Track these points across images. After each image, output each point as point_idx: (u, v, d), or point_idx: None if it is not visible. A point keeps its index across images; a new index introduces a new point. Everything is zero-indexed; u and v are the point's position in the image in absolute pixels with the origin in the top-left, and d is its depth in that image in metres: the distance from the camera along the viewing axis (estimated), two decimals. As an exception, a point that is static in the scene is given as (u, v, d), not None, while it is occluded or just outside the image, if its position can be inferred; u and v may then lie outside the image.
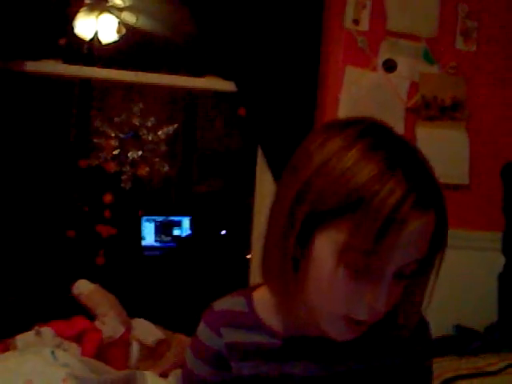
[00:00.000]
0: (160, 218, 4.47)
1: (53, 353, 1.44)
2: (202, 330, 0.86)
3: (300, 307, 0.78)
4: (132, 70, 2.34)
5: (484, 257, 2.25)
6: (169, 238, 4.48)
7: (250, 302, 0.86)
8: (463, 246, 2.09)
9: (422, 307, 0.78)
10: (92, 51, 3.64)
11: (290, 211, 0.72)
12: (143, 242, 4.38)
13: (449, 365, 1.78)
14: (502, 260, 2.20)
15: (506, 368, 1.71)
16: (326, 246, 0.70)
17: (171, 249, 4.32)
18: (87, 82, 3.61)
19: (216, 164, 4.71)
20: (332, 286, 0.70)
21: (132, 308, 2.17)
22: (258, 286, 0.88)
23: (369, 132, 0.72)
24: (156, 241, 4.48)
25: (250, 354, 0.83)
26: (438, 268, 0.75)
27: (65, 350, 1.61)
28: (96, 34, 3.39)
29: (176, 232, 4.50)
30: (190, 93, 4.14)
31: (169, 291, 3.17)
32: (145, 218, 4.36)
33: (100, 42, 3.48)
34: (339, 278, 0.69)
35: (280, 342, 0.83)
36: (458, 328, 2.17)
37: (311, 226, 0.70)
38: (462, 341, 2.07)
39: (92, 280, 2.14)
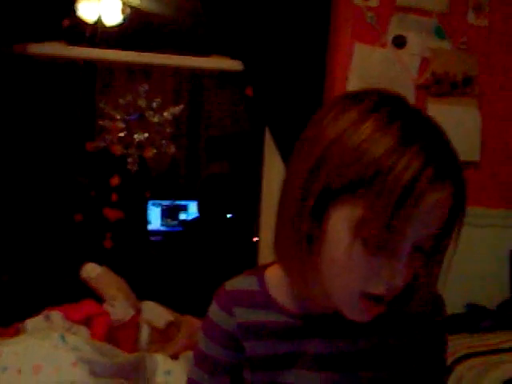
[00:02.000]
0: (166, 202, 4.47)
1: (62, 337, 1.44)
2: (214, 310, 0.85)
3: (314, 285, 0.77)
4: (136, 51, 2.31)
5: (496, 234, 2.25)
6: (175, 222, 4.48)
7: (262, 280, 0.84)
8: (475, 223, 2.08)
9: (437, 284, 0.77)
10: (96, 33, 3.61)
11: (304, 186, 0.70)
12: (149, 227, 4.38)
13: (461, 343, 1.78)
14: (514, 237, 2.20)
15: (518, 345, 1.70)
16: (341, 222, 0.68)
17: (178, 232, 4.32)
18: (91, 64, 3.58)
19: (223, 146, 4.69)
20: (348, 262, 0.68)
21: (141, 291, 2.17)
22: (270, 264, 0.86)
23: (383, 103, 0.70)
24: (162, 225, 4.47)
25: (263, 333, 0.82)
26: (456, 242, 0.73)
27: (74, 334, 1.61)
28: (100, 16, 3.36)
29: (182, 216, 4.49)
30: (196, 74, 4.10)
31: (177, 274, 3.17)
32: (151, 202, 4.35)
33: (104, 25, 3.45)
34: (355, 254, 0.68)
35: (293, 320, 0.81)
36: (470, 306, 2.16)
37: (326, 202, 0.69)
38: (474, 319, 2.06)
39: (100, 263, 2.14)
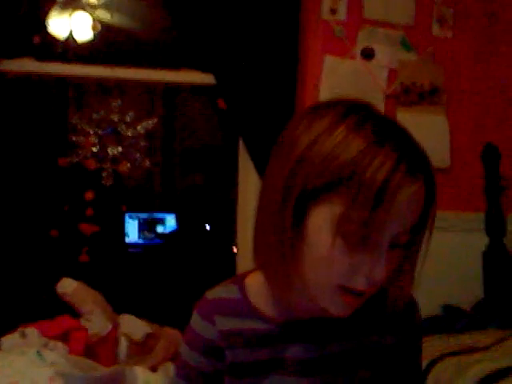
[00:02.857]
0: (144, 215, 4.45)
1: (38, 353, 1.42)
2: (196, 319, 0.86)
3: (293, 290, 0.78)
4: (108, 66, 2.31)
5: (468, 237, 2.30)
6: (152, 235, 4.46)
7: (242, 288, 0.86)
8: (447, 227, 2.14)
9: (413, 282, 0.79)
10: (67, 50, 3.59)
11: (283, 191, 0.72)
12: (127, 240, 4.34)
13: (438, 343, 1.81)
14: (485, 240, 2.24)
15: (493, 344, 1.74)
16: (321, 220, 0.71)
17: (156, 245, 4.30)
18: (63, 79, 3.56)
19: (197, 159, 4.69)
20: (330, 259, 0.71)
21: (119, 305, 2.15)
22: (250, 272, 0.88)
23: (354, 110, 0.73)
24: (140, 238, 4.45)
25: (244, 340, 0.83)
26: (430, 237, 0.76)
27: (51, 350, 1.59)
28: (71, 32, 3.34)
29: (160, 229, 4.48)
30: (169, 87, 4.11)
31: (155, 287, 3.16)
32: (128, 215, 4.33)
33: (75, 41, 3.43)
34: (337, 251, 0.70)
35: (274, 326, 0.83)
36: (446, 308, 2.20)
37: (305, 203, 0.71)
38: (450, 320, 2.11)
39: (77, 278, 2.12)
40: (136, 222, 4.40)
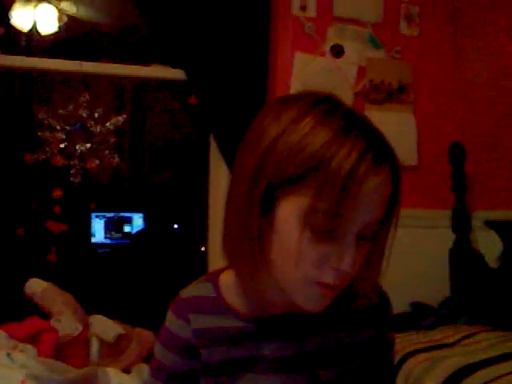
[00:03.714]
0: (110, 215, 4.37)
1: (9, 355, 1.38)
2: (170, 318, 0.85)
3: (266, 286, 0.79)
4: (75, 60, 2.26)
5: (434, 234, 2.33)
6: (119, 235, 4.39)
7: (216, 286, 0.85)
8: (414, 224, 2.15)
9: (379, 275, 0.80)
10: (31, 42, 3.50)
11: (250, 183, 0.72)
12: (93, 239, 4.26)
13: (408, 339, 1.84)
14: (451, 236, 2.29)
15: (461, 339, 1.78)
16: (289, 213, 0.71)
17: (124, 245, 4.23)
18: (27, 73, 3.47)
19: (167, 156, 4.65)
20: (299, 251, 0.71)
21: (88, 305, 2.11)
22: (224, 269, 0.87)
23: (322, 101, 0.74)
24: (106, 238, 4.37)
25: (219, 339, 0.82)
26: (395, 228, 0.77)
27: (21, 352, 1.55)
28: (35, 24, 3.26)
29: (127, 228, 4.41)
30: (138, 83, 4.05)
31: (125, 287, 3.11)
32: (94, 214, 4.25)
33: (39, 33, 3.34)
34: (305, 243, 0.70)
35: (249, 324, 0.82)
36: (414, 304, 2.23)
37: (272, 195, 0.71)
38: (419, 316, 2.14)
39: (45, 278, 2.07)
40: (102, 222, 4.33)
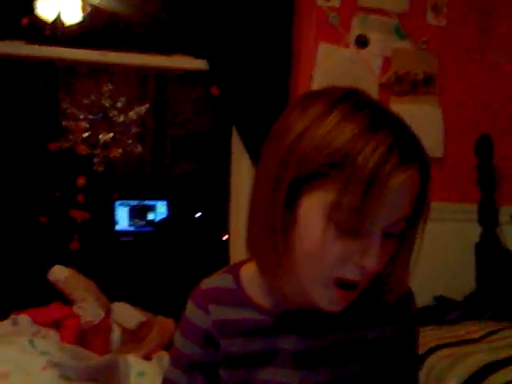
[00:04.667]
0: (134, 202, 4.41)
1: (31, 341, 1.41)
2: (190, 308, 0.85)
3: (288, 281, 0.78)
4: (99, 50, 2.27)
5: (461, 228, 2.29)
6: (143, 223, 4.43)
7: (237, 278, 0.85)
8: (440, 218, 2.10)
9: (409, 272, 0.78)
10: (55, 32, 3.53)
11: (275, 178, 0.72)
12: (117, 227, 4.31)
13: (431, 334, 1.81)
14: (478, 230, 2.25)
15: (486, 336, 1.75)
16: (313, 209, 0.70)
17: (147, 233, 4.28)
18: (51, 63, 3.50)
19: (189, 145, 4.66)
20: (322, 248, 0.70)
21: (110, 292, 2.14)
22: (246, 261, 0.87)
23: (347, 96, 0.73)
24: (130, 225, 4.42)
25: (238, 331, 0.82)
26: (424, 227, 0.76)
27: (43, 338, 1.58)
28: (59, 14, 3.28)
29: (150, 216, 4.45)
30: (161, 73, 4.06)
31: (147, 275, 3.14)
32: (118, 202, 4.29)
33: (63, 23, 3.37)
34: (329, 239, 0.69)
35: (269, 318, 0.82)
36: (438, 299, 2.20)
37: (297, 190, 0.70)
38: (442, 311, 2.11)
39: (67, 265, 2.10)
40: (126, 209, 4.37)
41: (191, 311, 0.85)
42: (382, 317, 0.85)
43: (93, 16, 3.44)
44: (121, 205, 4.34)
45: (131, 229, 4.39)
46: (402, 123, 0.72)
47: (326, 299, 0.74)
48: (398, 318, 0.86)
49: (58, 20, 3.34)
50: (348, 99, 0.71)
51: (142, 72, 4.06)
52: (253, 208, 0.78)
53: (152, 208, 4.46)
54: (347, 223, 0.68)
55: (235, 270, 0.86)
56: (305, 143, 0.69)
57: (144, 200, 4.45)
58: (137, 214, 4.41)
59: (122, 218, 4.37)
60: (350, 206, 0.67)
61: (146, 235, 4.20)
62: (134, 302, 2.11)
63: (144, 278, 2.97)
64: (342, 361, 0.83)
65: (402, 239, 0.74)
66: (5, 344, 1.45)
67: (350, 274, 0.71)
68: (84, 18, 3.44)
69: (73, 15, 3.44)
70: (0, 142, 2.88)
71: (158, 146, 4.77)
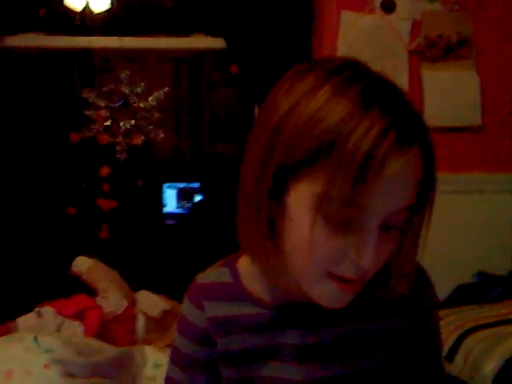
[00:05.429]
0: (181, 185, 4.49)
1: (35, 339, 1.41)
2: (185, 305, 0.82)
3: (282, 274, 0.72)
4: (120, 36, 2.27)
5: (499, 199, 2.17)
6: (190, 205, 4.52)
7: (234, 271, 0.80)
8: (479, 189, 2.03)
9: (414, 265, 0.71)
10: (85, 21, 3.56)
11: (260, 164, 0.65)
12: (165, 210, 4.42)
13: (469, 314, 1.73)
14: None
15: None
16: (301, 199, 0.63)
17: (184, 215, 4.34)
18: (71, 52, 3.55)
19: (224, 127, 4.66)
20: (312, 244, 0.63)
21: (138, 281, 2.14)
22: (242, 253, 0.81)
23: (341, 69, 0.64)
24: (178, 207, 4.51)
25: (236, 327, 0.78)
26: (430, 216, 0.67)
27: (67, 329, 1.59)
28: (87, 3, 3.32)
29: (198, 198, 4.52)
30: (191, 56, 4.04)
31: (184, 259, 3.14)
32: (166, 185, 4.40)
33: (91, 11, 3.40)
34: (319, 235, 0.62)
35: (269, 312, 0.77)
36: (479, 274, 2.09)
37: (284, 178, 0.63)
38: (484, 288, 1.99)
39: (97, 255, 2.12)
40: (174, 192, 4.46)
41: (186, 309, 0.81)
42: (393, 307, 0.78)
43: (115, 4, 3.45)
44: (169, 187, 4.43)
45: (179, 211, 4.47)
46: (402, 97, 0.63)
47: (324, 294, 0.68)
48: (412, 308, 0.79)
49: (86, 9, 3.36)
50: (341, 72, 0.63)
51: (173, 55, 4.05)
52: (240, 198, 0.72)
53: (198, 191, 4.55)
54: (337, 217, 0.61)
55: (231, 262, 0.81)
56: (290, 124, 0.62)
57: (190, 182, 4.51)
58: (184, 196, 4.49)
59: (171, 200, 4.47)
60: (340, 198, 0.59)
61: (182, 218, 4.26)
62: (163, 291, 2.10)
63: (175, 263, 2.97)
64: (351, 354, 0.77)
65: (406, 229, 0.66)
66: (10, 342, 1.47)
67: (347, 271, 0.64)
68: (111, 4, 3.45)
69: (101, 3, 3.46)
70: (23, 135, 2.92)
71: (194, 130, 4.79)
